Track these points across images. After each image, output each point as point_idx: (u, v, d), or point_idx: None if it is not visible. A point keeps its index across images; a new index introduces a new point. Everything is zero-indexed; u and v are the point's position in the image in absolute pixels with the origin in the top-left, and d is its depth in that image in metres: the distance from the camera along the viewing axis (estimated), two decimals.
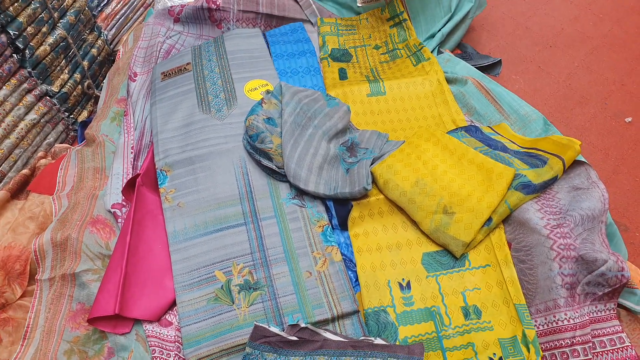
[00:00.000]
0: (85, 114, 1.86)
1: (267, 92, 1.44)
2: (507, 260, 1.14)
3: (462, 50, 1.95)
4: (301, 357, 1.05)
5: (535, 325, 1.06)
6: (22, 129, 1.53)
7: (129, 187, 1.31)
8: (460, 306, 1.11)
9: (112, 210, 1.30)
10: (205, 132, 1.41)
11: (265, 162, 1.30)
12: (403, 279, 1.16)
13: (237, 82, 1.54)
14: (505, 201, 1.14)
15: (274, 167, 1.29)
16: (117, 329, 1.10)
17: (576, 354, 0.99)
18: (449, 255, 1.17)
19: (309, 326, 1.09)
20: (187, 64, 1.61)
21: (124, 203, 1.32)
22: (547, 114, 1.80)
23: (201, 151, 1.37)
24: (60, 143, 1.73)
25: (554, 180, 1.16)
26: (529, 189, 1.14)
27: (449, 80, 1.61)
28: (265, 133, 1.31)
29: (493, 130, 1.39)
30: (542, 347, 1.04)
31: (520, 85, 1.94)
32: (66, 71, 1.74)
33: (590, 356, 0.98)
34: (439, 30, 1.80)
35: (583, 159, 1.22)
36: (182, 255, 1.20)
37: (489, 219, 1.15)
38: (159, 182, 1.31)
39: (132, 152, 1.47)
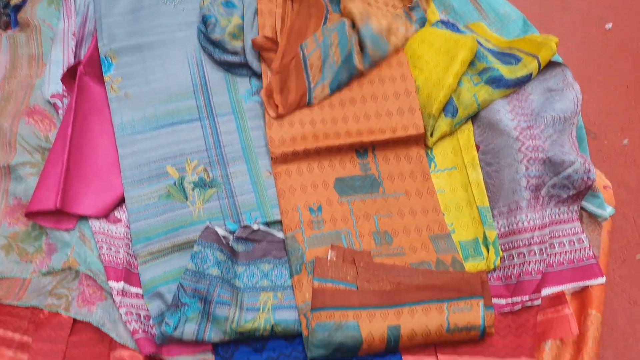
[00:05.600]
0: None
1: None
2: (474, 162, 1.10)
3: None
4: (244, 267, 1.02)
5: (497, 227, 1.05)
6: None
7: (70, 76, 1.18)
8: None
9: (52, 100, 1.18)
10: (156, 17, 1.26)
11: (217, 55, 1.19)
12: None
13: None
14: (474, 94, 1.09)
15: (230, 59, 1.18)
16: (59, 225, 1.03)
17: (532, 253, 0.98)
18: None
19: (261, 228, 1.05)
20: None
21: (65, 94, 1.20)
22: (527, 17, 1.71)
23: (151, 38, 1.23)
24: None
25: (527, 78, 1.10)
26: (500, 83, 1.09)
27: None
28: (218, 18, 1.18)
29: (469, 29, 1.30)
30: (502, 248, 1.04)
31: None
32: None
33: (545, 256, 0.99)
34: None
35: (560, 60, 1.16)
36: (130, 150, 1.11)
37: (455, 110, 1.10)
38: (104, 70, 1.18)
39: (73, 39, 1.32)
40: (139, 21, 1.26)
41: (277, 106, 1.12)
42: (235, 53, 1.19)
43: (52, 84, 1.21)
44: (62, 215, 1.03)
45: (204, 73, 1.21)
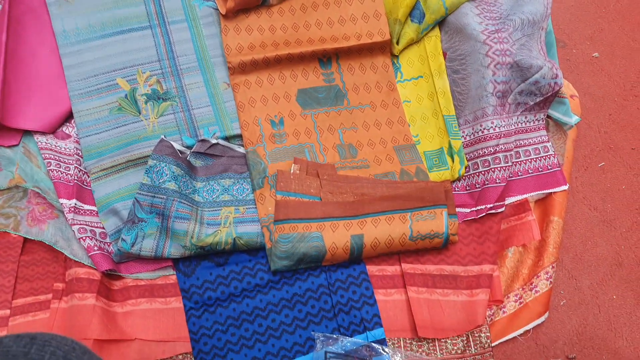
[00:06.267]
0: None
1: None
2: (441, 70, 1.06)
3: None
4: (203, 182, 0.98)
5: (463, 136, 1.03)
6: None
7: None
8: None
9: None
10: None
11: None
12: None
13: None
14: None
15: None
16: (0, 141, 0.96)
17: (497, 161, 0.97)
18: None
19: (220, 142, 1.01)
20: None
21: None
22: None
23: None
24: None
25: None
26: None
27: None
28: None
29: None
30: (467, 157, 1.02)
31: None
32: None
33: (510, 164, 0.98)
34: None
35: None
36: (76, 60, 1.02)
37: (422, 16, 1.04)
38: None
39: None
40: None
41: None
42: None
43: None
44: (3, 130, 0.96)
45: None
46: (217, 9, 1.07)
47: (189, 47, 1.07)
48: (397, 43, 1.07)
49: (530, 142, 1.02)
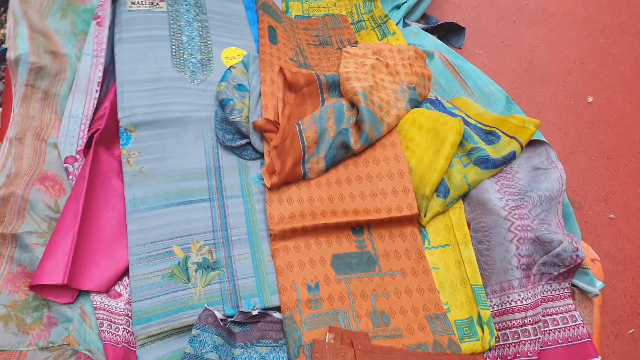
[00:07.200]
0: None
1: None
2: (466, 240, 1.14)
3: (425, 21, 1.91)
4: (241, 350, 1.03)
5: (491, 305, 1.08)
6: None
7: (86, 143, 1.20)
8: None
9: (65, 165, 1.18)
10: (176, 94, 1.30)
11: (227, 142, 1.24)
12: None
13: (216, 46, 1.42)
14: (464, 176, 1.15)
15: (236, 144, 1.24)
16: (60, 298, 1.04)
17: (527, 333, 1.01)
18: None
19: (259, 313, 1.07)
20: (161, 0, 1.44)
21: (77, 157, 1.20)
22: (509, 90, 1.81)
23: (171, 115, 1.26)
24: None
25: (512, 155, 1.16)
26: (488, 163, 1.15)
27: None
28: (235, 101, 1.24)
29: (453, 104, 1.38)
30: (496, 327, 1.06)
31: (484, 60, 1.93)
32: None
33: (539, 336, 1.01)
34: (405, 1, 1.74)
35: (543, 139, 1.22)
36: (139, 226, 1.13)
37: (447, 191, 1.14)
38: (122, 143, 1.21)
39: (97, 91, 1.26)
40: (159, 94, 1.29)
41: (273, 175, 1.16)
42: (248, 136, 1.24)
43: (68, 145, 1.20)
44: (63, 287, 1.04)
45: (219, 155, 1.25)
46: None
47: (242, 220, 1.18)
48: (425, 215, 1.17)
49: (557, 311, 1.05)
